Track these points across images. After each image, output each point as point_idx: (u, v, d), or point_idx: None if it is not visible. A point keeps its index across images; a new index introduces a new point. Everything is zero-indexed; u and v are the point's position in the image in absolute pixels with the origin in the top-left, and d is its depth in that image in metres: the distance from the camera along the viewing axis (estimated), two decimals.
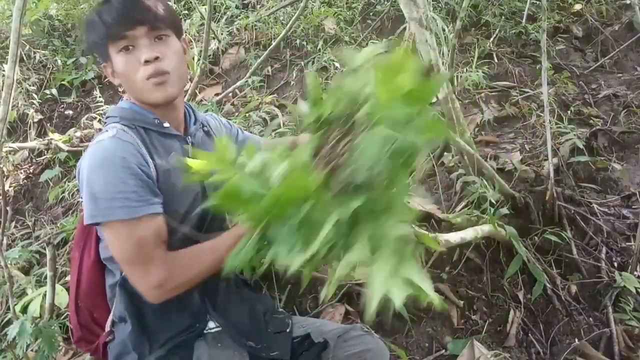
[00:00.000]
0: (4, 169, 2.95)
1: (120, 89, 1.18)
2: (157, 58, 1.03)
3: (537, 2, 3.52)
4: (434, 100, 2.97)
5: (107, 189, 0.98)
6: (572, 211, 2.14)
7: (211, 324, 1.16)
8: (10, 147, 3.02)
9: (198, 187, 1.13)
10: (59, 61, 3.70)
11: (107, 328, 1.20)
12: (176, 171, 1.08)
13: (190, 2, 3.84)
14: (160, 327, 1.12)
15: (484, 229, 1.77)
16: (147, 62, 1.03)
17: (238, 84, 3.09)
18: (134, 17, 1.03)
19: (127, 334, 1.13)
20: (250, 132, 1.62)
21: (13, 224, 2.73)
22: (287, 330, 1.24)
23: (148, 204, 1.00)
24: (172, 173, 1.08)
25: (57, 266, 2.04)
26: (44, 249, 2.27)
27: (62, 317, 1.98)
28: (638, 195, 2.31)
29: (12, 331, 1.57)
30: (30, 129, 3.29)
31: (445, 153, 2.52)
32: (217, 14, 3.78)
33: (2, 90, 1.38)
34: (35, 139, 3.20)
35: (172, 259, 1.02)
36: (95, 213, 0.98)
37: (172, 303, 1.07)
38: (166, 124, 1.11)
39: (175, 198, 1.08)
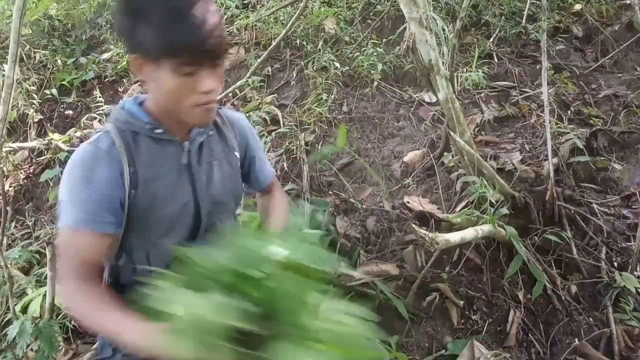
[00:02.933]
0: (4, 169, 2.95)
1: (134, 86, 1.15)
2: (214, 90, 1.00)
3: (537, 2, 3.52)
4: (434, 100, 2.98)
5: (65, 194, 0.99)
6: (572, 211, 2.14)
7: None
8: (10, 147, 3.02)
9: (189, 196, 1.10)
10: (59, 61, 3.70)
11: None
12: (160, 179, 1.06)
13: None
14: None
15: (484, 229, 1.77)
16: (207, 91, 0.99)
17: (238, 84, 3.09)
18: (211, 51, 0.96)
19: None
20: None
21: (13, 224, 2.73)
22: None
23: (94, 221, 0.98)
24: (155, 181, 1.05)
25: (57, 266, 2.04)
26: (44, 249, 2.27)
27: (62, 317, 1.98)
28: (638, 195, 2.31)
29: (12, 331, 1.57)
30: (30, 129, 3.29)
31: (445, 153, 2.52)
32: None
33: (2, 90, 1.38)
34: (35, 139, 3.20)
35: (82, 293, 0.98)
36: (60, 216, 1.00)
37: None
38: (159, 130, 1.07)
39: (158, 206, 1.06)
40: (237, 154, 1.24)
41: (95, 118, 3.18)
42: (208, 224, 1.14)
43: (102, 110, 3.23)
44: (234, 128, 1.25)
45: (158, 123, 1.07)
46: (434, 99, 3.00)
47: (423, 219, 2.20)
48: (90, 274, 1.01)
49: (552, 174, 2.07)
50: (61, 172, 2.80)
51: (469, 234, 1.71)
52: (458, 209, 2.21)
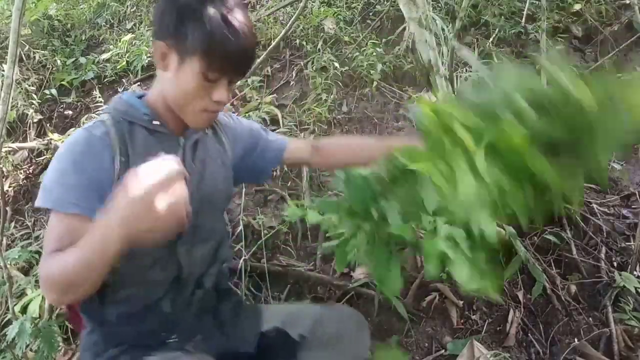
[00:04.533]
0: (4, 169, 2.94)
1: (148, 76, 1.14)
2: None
3: (537, 2, 3.52)
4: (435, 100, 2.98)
5: (54, 176, 0.97)
6: (572, 211, 2.14)
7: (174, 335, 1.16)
8: (9, 147, 3.02)
9: None
10: (59, 61, 3.69)
11: None
12: None
13: None
14: (120, 332, 1.11)
15: None
16: (217, 101, 1.02)
17: (237, 83, 3.09)
18: (242, 66, 1.03)
19: (86, 333, 1.14)
20: None
21: (12, 224, 2.72)
22: (256, 322, 1.23)
23: (80, 205, 0.96)
24: None
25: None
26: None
27: (62, 317, 1.98)
28: (638, 195, 2.31)
29: (11, 331, 1.57)
30: (29, 129, 3.29)
31: None
32: None
33: (2, 90, 1.38)
34: (34, 139, 3.20)
35: (53, 257, 0.92)
36: (39, 197, 0.98)
37: (139, 311, 1.08)
38: (156, 122, 1.07)
39: None
40: (230, 155, 1.24)
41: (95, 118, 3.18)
42: (195, 222, 1.11)
43: (102, 110, 3.22)
44: (225, 130, 1.26)
45: (156, 115, 1.07)
46: (433, 99, 3.00)
47: None
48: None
49: None
50: None
51: None
52: None
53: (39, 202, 0.98)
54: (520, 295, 1.90)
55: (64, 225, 0.95)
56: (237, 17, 0.97)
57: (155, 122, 1.07)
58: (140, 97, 1.13)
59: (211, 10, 0.95)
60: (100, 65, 3.68)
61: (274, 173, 2.62)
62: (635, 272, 1.91)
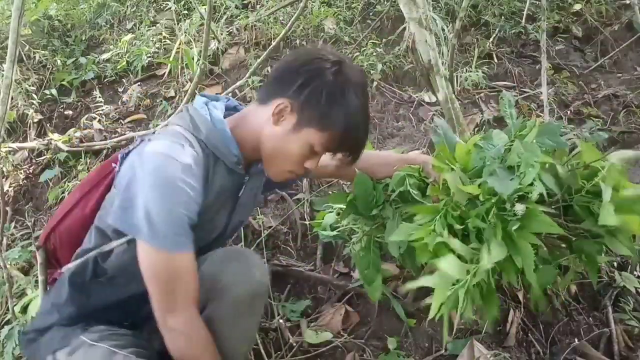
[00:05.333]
0: (4, 169, 2.95)
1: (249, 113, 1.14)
2: None
3: (537, 2, 3.52)
4: (434, 100, 2.98)
5: (158, 212, 0.95)
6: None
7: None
8: (9, 147, 3.02)
9: (223, 224, 1.17)
10: (59, 61, 3.69)
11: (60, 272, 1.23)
12: (215, 207, 1.10)
13: (190, 2, 3.84)
14: (89, 315, 1.15)
15: None
16: (306, 168, 1.09)
17: (238, 84, 3.09)
18: (353, 153, 1.12)
19: (62, 300, 1.16)
20: None
21: (13, 224, 2.72)
22: None
23: (185, 244, 0.99)
24: (211, 208, 1.08)
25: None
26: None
27: None
28: None
29: (1, 335, 1.57)
30: (30, 129, 3.29)
31: None
32: (216, 14, 3.78)
33: (1, 90, 1.38)
34: (35, 139, 3.19)
35: (197, 327, 1.01)
36: (138, 226, 0.96)
37: (117, 300, 1.14)
38: (240, 166, 1.11)
39: (203, 229, 1.09)
40: (264, 181, 1.31)
41: (95, 118, 3.17)
42: (211, 246, 1.20)
43: (102, 110, 3.23)
44: None
45: (242, 157, 1.10)
46: (433, 99, 3.00)
47: None
48: (197, 305, 1.02)
49: None
50: (61, 172, 2.81)
51: None
52: None
53: (145, 237, 0.96)
54: (520, 295, 1.90)
55: (173, 264, 0.97)
56: (369, 107, 1.07)
57: (239, 167, 1.11)
58: (227, 112, 1.14)
59: (354, 98, 1.02)
60: (101, 65, 3.68)
61: None
62: (635, 272, 1.91)
